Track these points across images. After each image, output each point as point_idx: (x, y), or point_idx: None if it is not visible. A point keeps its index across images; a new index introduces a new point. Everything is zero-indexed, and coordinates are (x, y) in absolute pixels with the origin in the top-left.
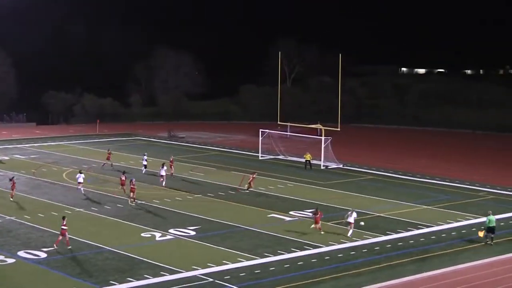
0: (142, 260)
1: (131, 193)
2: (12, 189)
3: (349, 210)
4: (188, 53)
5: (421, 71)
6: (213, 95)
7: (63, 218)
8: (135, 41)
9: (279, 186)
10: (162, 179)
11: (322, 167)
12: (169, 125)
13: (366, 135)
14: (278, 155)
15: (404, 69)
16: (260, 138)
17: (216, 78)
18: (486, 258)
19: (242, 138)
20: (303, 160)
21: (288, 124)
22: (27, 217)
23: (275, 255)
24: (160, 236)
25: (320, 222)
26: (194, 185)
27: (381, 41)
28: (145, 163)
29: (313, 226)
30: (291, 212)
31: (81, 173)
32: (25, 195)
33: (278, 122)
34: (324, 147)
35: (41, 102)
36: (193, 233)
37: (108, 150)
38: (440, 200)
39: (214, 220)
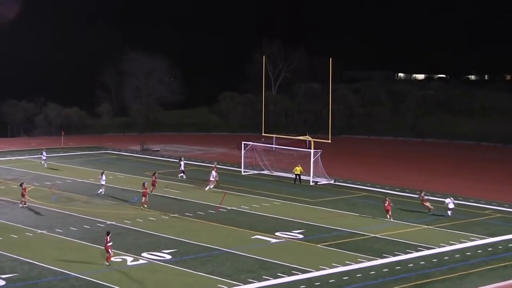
0: (111, 286)
1: (143, 198)
2: None
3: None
4: (163, 58)
5: (420, 76)
6: (191, 104)
7: (107, 233)
8: (103, 44)
9: (263, 204)
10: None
11: (311, 183)
12: (141, 137)
13: (359, 147)
14: (263, 170)
15: (400, 74)
16: (243, 151)
17: (193, 85)
18: (492, 283)
19: (222, 151)
20: (292, 175)
21: (274, 135)
22: None
23: (259, 280)
24: (132, 261)
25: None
26: (169, 204)
27: (375, 44)
28: (103, 182)
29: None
30: (277, 233)
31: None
32: None
33: (263, 134)
34: (314, 161)
35: (0, 112)
36: (168, 257)
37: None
38: (442, 219)
39: (191, 243)
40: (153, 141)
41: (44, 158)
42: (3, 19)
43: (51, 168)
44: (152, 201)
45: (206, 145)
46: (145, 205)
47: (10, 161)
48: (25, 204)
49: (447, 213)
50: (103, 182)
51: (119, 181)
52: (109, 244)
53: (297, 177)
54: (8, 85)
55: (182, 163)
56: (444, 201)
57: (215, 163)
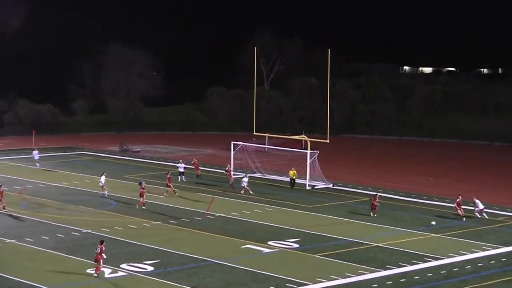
0: None
1: (141, 198)
2: None
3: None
4: (144, 50)
5: (427, 70)
6: (175, 100)
7: (101, 242)
8: (79, 35)
9: (255, 210)
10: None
11: (307, 187)
12: (120, 136)
13: (361, 148)
14: (255, 172)
15: (406, 67)
16: (232, 152)
17: (178, 80)
18: None
19: (210, 153)
20: (287, 178)
21: (266, 135)
22: None
23: None
24: (110, 273)
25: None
26: (151, 210)
27: (377, 35)
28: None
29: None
30: (270, 242)
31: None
32: None
33: (254, 133)
34: (310, 162)
35: None
36: (150, 268)
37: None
38: (451, 226)
39: (176, 253)
40: (133, 141)
41: (37, 158)
42: (7, 26)
43: (21, 171)
44: (132, 207)
45: (192, 145)
46: (143, 207)
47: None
48: (4, 208)
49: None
50: (102, 183)
51: (96, 185)
52: (102, 254)
53: (291, 181)
54: None
55: (181, 165)
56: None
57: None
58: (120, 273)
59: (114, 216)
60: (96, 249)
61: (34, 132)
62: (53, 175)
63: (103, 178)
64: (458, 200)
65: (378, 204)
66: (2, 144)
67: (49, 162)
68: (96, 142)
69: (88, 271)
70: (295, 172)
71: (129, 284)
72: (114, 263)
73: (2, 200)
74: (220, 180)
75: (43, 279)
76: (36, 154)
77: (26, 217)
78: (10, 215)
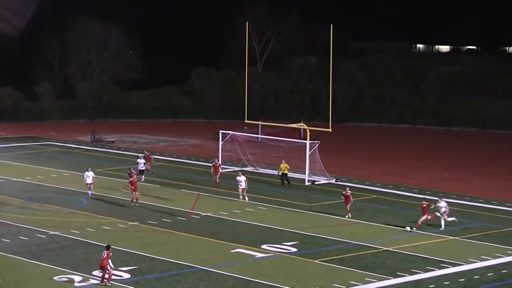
0: None
1: (134, 193)
2: None
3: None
4: (119, 25)
5: (444, 48)
6: (155, 83)
7: (107, 247)
8: (44, 8)
9: (247, 209)
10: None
11: (307, 183)
12: (92, 125)
13: (368, 137)
14: (246, 166)
15: (419, 46)
16: (220, 143)
17: (158, 60)
18: None
19: (194, 143)
20: (278, 173)
21: (260, 123)
22: None
23: None
24: (81, 281)
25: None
26: (128, 209)
27: (387, 8)
28: (89, 181)
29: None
30: (264, 246)
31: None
32: None
33: (246, 121)
34: (310, 154)
35: None
36: (127, 276)
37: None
38: (472, 228)
39: (156, 258)
40: (107, 130)
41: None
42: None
43: None
44: (105, 206)
45: (174, 134)
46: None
47: None
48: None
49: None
50: (90, 181)
51: (64, 180)
52: (108, 260)
53: (284, 177)
54: None
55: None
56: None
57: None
58: (91, 281)
59: (85, 216)
60: (103, 255)
61: None
62: (14, 169)
63: (90, 174)
64: (424, 205)
65: (350, 201)
66: None
67: (10, 154)
68: (64, 131)
69: (55, 278)
70: (287, 165)
71: None
72: (85, 269)
73: None
74: (206, 174)
75: (3, 287)
76: None
77: None
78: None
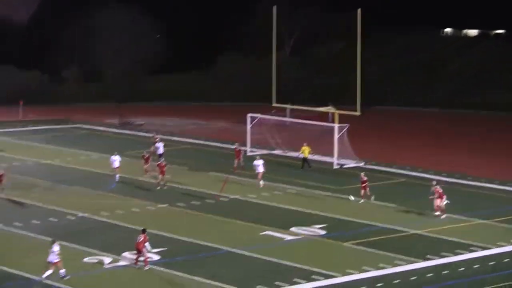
0: None
1: (161, 175)
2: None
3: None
4: (146, 8)
5: (472, 32)
6: (182, 67)
7: (143, 231)
8: None
9: (275, 192)
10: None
11: (335, 166)
12: (120, 108)
13: (397, 121)
14: (274, 149)
15: (447, 30)
16: (249, 126)
17: (185, 43)
18: None
19: (222, 126)
20: (299, 155)
21: (288, 106)
22: None
23: None
24: (110, 262)
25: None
26: (156, 192)
27: None
28: (116, 165)
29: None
30: (292, 229)
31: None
32: None
33: (274, 104)
34: (338, 138)
35: None
36: (156, 257)
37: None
38: (502, 212)
39: (185, 240)
40: (135, 113)
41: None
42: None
43: (6, 147)
44: (134, 189)
45: (202, 118)
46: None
47: None
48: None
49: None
50: (117, 165)
51: (92, 163)
52: (144, 243)
53: (305, 159)
54: None
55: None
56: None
57: (237, 145)
58: (121, 263)
59: (114, 198)
60: (138, 238)
61: (21, 103)
62: (43, 152)
63: (116, 158)
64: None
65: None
66: None
67: (38, 136)
68: (92, 114)
69: (85, 260)
70: (309, 148)
71: (131, 275)
72: (114, 251)
73: (1, 183)
74: (232, 156)
75: (33, 269)
76: None
77: (14, 199)
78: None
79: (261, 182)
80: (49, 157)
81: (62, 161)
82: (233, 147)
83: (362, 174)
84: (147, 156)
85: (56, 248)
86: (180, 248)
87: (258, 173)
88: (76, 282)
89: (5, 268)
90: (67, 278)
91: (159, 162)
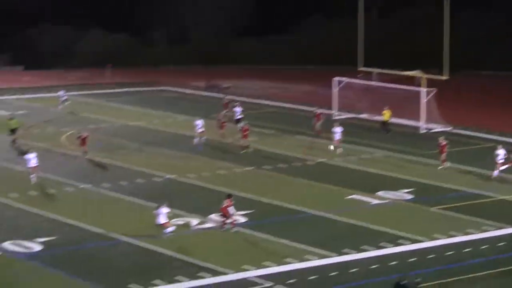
0: (172, 256)
1: (243, 139)
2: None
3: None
4: None
5: None
6: (267, 30)
7: (229, 196)
8: None
9: (362, 156)
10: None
11: (422, 130)
12: (207, 71)
13: (488, 86)
14: (360, 113)
15: None
16: (335, 90)
17: (271, 6)
18: None
19: (308, 90)
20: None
21: (374, 70)
22: (14, 195)
23: (357, 251)
24: (197, 224)
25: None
26: (242, 155)
27: None
28: (200, 130)
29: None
30: (379, 193)
31: None
32: (10, 165)
33: (360, 68)
34: (426, 102)
35: (30, 38)
36: (243, 220)
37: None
38: None
39: (271, 203)
40: (222, 75)
41: (63, 98)
42: None
43: (94, 109)
44: (220, 152)
45: (287, 81)
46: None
47: (44, 99)
48: (85, 153)
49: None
50: (200, 129)
51: (179, 125)
52: (228, 208)
53: (384, 123)
54: (41, 5)
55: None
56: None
57: (317, 109)
58: (207, 225)
59: (200, 161)
60: (223, 203)
61: (109, 66)
62: (131, 114)
63: (200, 123)
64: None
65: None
66: (74, 78)
67: (126, 98)
68: (179, 77)
69: (172, 221)
70: (390, 112)
71: (217, 237)
72: (201, 212)
73: (85, 145)
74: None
75: (119, 229)
76: (62, 94)
77: (102, 160)
78: (83, 158)
79: (338, 149)
80: (136, 119)
81: (149, 123)
82: (315, 110)
83: (441, 138)
84: (223, 121)
85: (165, 210)
86: (267, 210)
87: (336, 140)
88: (164, 243)
89: (91, 228)
90: (169, 234)
91: (242, 126)
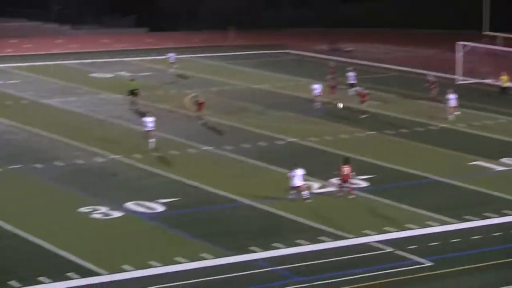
0: (292, 219)
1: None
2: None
3: None
4: None
5: None
6: None
7: (345, 160)
8: None
9: (485, 122)
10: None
11: None
12: (330, 34)
13: None
14: (485, 78)
15: None
16: (459, 54)
17: None
18: None
19: (430, 54)
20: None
21: (499, 34)
22: (137, 156)
23: (479, 217)
24: (319, 188)
25: None
26: (364, 119)
27: None
28: (317, 92)
29: None
30: (504, 159)
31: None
32: (133, 126)
33: (484, 32)
34: None
35: (154, 0)
36: (364, 184)
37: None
38: None
39: (393, 168)
40: (344, 39)
41: (172, 60)
42: None
43: (217, 71)
44: (342, 115)
45: (410, 45)
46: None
47: (166, 61)
48: (201, 118)
49: None
50: (317, 93)
51: (301, 89)
52: (349, 174)
53: (503, 89)
54: None
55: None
56: None
57: (431, 75)
58: (328, 189)
59: (322, 124)
60: (342, 170)
61: (232, 28)
62: (253, 76)
63: (318, 87)
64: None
65: None
66: (197, 40)
67: (248, 61)
68: (302, 40)
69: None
70: (508, 77)
71: (337, 201)
72: (322, 177)
73: (201, 109)
74: (445, 86)
75: (243, 192)
76: (172, 56)
77: (231, 122)
78: (208, 120)
79: (453, 116)
80: (259, 82)
81: (272, 86)
82: (428, 77)
83: None
84: (333, 85)
85: (300, 172)
86: (388, 175)
87: (450, 107)
88: (285, 206)
89: (214, 190)
90: (309, 201)
91: (359, 90)
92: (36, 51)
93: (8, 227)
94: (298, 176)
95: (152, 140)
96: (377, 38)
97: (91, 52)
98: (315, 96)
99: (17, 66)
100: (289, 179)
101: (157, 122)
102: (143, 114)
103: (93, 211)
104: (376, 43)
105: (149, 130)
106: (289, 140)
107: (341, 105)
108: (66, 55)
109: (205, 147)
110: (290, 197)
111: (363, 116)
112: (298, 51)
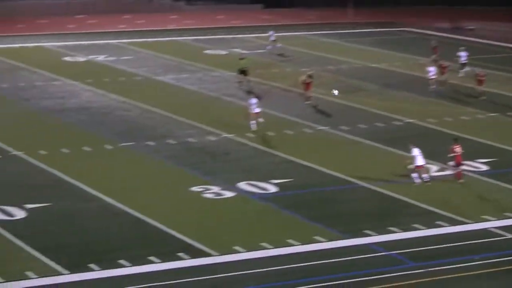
0: (409, 202)
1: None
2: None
3: None
4: None
5: None
6: None
7: (455, 140)
8: None
9: None
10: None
11: None
12: (452, 11)
13: None
14: None
15: None
16: None
17: None
18: None
19: None
20: None
21: None
22: (250, 135)
23: None
24: (437, 171)
25: None
26: (485, 101)
27: None
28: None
29: None
30: None
31: None
32: (246, 105)
33: None
34: None
35: None
36: (484, 168)
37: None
38: None
39: None
40: (467, 17)
41: (273, 39)
42: None
43: (334, 49)
44: (465, 96)
45: None
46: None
47: (284, 38)
48: (309, 100)
49: None
50: (433, 75)
51: (421, 68)
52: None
53: None
54: None
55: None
56: None
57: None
58: (447, 172)
59: (442, 105)
60: (455, 151)
61: (350, 5)
62: (371, 55)
63: (432, 69)
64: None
65: None
66: (312, 17)
67: (367, 39)
68: (423, 17)
69: (409, 167)
70: None
71: (456, 184)
72: (441, 160)
73: (309, 89)
74: None
75: (357, 173)
76: (272, 34)
77: (340, 101)
78: (320, 99)
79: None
80: (376, 60)
81: (390, 65)
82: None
83: None
84: (445, 65)
85: (415, 151)
86: (509, 159)
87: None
88: (402, 189)
89: (328, 171)
90: (429, 183)
91: (476, 72)
92: (149, 27)
93: (119, 205)
94: (419, 156)
95: (253, 122)
96: (501, 16)
97: (206, 29)
98: (430, 78)
99: (130, 42)
100: (412, 159)
101: (271, 101)
102: (250, 94)
103: (205, 190)
104: (500, 22)
105: (254, 112)
106: (407, 120)
107: (336, 92)
108: (180, 31)
109: (321, 127)
110: (413, 175)
111: (482, 98)
112: (418, 29)
